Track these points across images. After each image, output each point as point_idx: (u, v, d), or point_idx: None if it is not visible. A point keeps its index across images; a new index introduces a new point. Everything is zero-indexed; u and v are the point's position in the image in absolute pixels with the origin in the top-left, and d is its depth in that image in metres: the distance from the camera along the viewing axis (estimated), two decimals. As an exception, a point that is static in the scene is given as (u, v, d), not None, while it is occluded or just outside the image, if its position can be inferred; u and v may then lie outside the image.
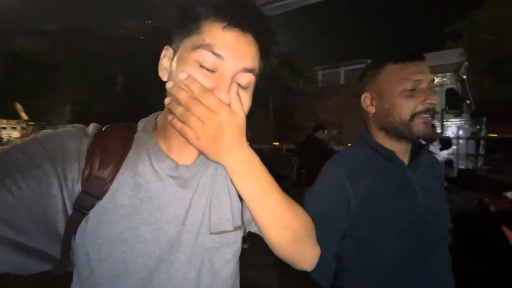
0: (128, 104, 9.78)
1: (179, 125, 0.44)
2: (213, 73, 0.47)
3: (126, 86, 10.16)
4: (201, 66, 0.46)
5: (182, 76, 0.45)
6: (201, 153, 0.46)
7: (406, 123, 0.77)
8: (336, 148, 6.02)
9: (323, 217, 0.80)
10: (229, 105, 0.46)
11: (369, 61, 9.80)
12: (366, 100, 0.86)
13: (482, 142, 7.16)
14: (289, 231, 0.53)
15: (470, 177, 6.55)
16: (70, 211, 0.46)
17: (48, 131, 0.49)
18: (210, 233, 0.54)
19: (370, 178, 0.80)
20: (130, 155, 0.52)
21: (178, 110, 0.44)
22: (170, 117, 0.46)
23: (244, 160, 0.48)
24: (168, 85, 0.46)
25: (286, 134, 10.84)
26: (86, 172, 0.47)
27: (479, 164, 7.23)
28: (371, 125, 0.87)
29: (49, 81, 10.29)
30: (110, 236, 0.47)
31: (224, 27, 0.46)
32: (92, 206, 0.47)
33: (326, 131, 4.00)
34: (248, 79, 0.50)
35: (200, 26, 0.47)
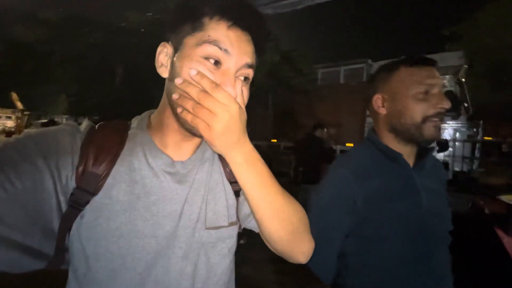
0: (126, 96, 9.71)
1: (189, 116, 0.45)
2: (218, 69, 0.48)
3: (125, 78, 10.08)
4: (207, 60, 0.48)
5: (192, 72, 0.46)
6: (209, 144, 0.47)
7: (417, 126, 0.79)
8: (334, 147, 6.03)
9: (329, 215, 0.83)
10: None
11: (369, 60, 9.86)
12: (377, 101, 0.87)
13: (478, 145, 7.23)
14: (288, 223, 0.54)
15: (465, 180, 6.61)
16: (64, 207, 0.46)
17: (42, 128, 0.49)
18: (206, 228, 0.55)
19: (376, 178, 0.81)
20: (125, 151, 0.52)
21: (189, 104, 0.45)
22: (179, 109, 0.47)
23: (247, 153, 0.49)
24: (178, 81, 0.47)
25: (284, 132, 10.86)
26: (80, 168, 0.47)
27: (474, 167, 7.30)
28: (380, 127, 0.88)
29: (46, 70, 10.19)
30: (107, 232, 0.47)
31: (229, 26, 0.48)
32: (87, 202, 0.47)
33: (325, 130, 4.00)
34: (249, 74, 0.52)
35: (204, 24, 0.48)
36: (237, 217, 0.62)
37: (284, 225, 0.54)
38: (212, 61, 0.48)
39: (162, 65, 0.53)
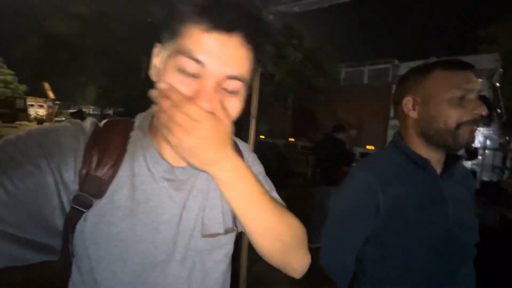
0: (151, 89, 9.96)
1: (165, 131, 0.44)
2: (195, 80, 0.45)
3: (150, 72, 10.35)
4: (182, 73, 0.44)
5: (163, 85, 0.44)
6: (185, 161, 0.45)
7: (451, 132, 0.75)
8: (354, 149, 5.89)
9: (348, 219, 0.82)
10: (214, 113, 0.44)
11: (395, 61, 9.50)
12: (408, 104, 0.83)
13: (510, 154, 6.80)
14: (278, 241, 0.52)
15: (493, 190, 6.25)
16: (67, 208, 0.46)
17: (43, 126, 0.49)
18: (203, 236, 0.55)
19: (401, 184, 0.79)
20: (127, 155, 0.52)
21: (163, 118, 0.43)
22: (157, 122, 0.46)
23: (231, 170, 0.47)
24: (153, 94, 0.45)
25: (302, 131, 10.74)
26: (84, 171, 0.47)
27: (504, 177, 6.88)
28: (409, 131, 0.85)
29: (76, 63, 10.65)
30: (109, 236, 0.48)
31: (207, 29, 0.43)
32: (90, 205, 0.47)
33: (346, 132, 3.92)
34: (235, 86, 0.47)
35: (181, 29, 0.45)
36: (234, 222, 0.62)
37: (275, 243, 0.52)
38: (188, 73, 0.44)
39: (154, 67, 0.51)
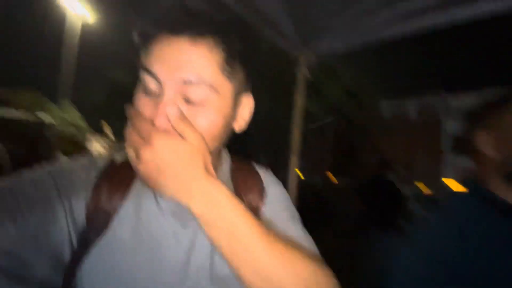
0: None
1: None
2: (155, 98, 0.42)
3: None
4: (144, 92, 0.43)
5: (128, 108, 0.43)
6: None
7: None
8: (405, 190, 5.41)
9: (423, 274, 0.69)
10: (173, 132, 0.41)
11: (443, 93, 8.96)
12: (483, 141, 0.73)
13: None
14: (273, 286, 0.40)
15: None
16: (75, 243, 0.44)
17: (62, 165, 0.48)
18: (211, 278, 0.47)
19: (486, 239, 0.66)
20: (136, 187, 0.48)
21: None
22: None
23: (205, 198, 0.39)
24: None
25: (345, 169, 10.31)
26: (92, 206, 0.45)
27: None
28: (488, 171, 0.73)
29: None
30: (108, 273, 0.43)
31: (156, 38, 0.41)
32: (95, 240, 0.44)
33: (393, 170, 3.67)
34: (199, 93, 0.41)
35: (145, 45, 0.44)
36: None
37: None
38: (148, 91, 0.42)
39: None
